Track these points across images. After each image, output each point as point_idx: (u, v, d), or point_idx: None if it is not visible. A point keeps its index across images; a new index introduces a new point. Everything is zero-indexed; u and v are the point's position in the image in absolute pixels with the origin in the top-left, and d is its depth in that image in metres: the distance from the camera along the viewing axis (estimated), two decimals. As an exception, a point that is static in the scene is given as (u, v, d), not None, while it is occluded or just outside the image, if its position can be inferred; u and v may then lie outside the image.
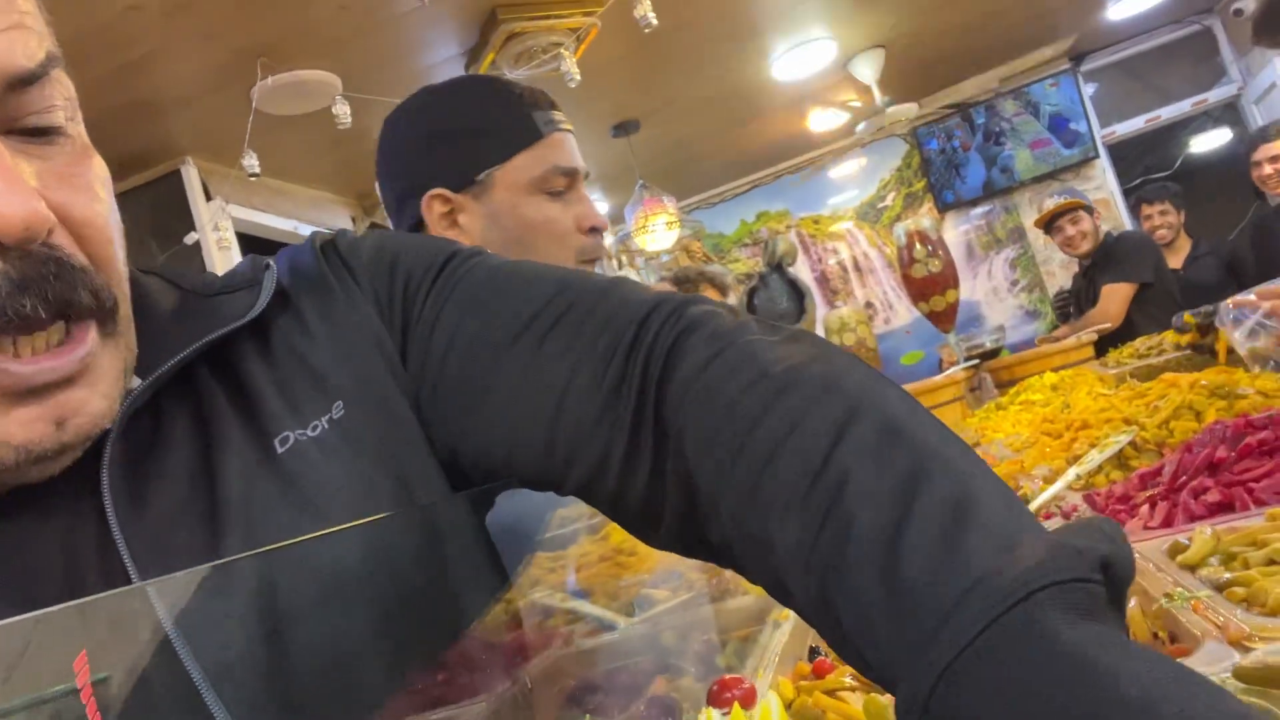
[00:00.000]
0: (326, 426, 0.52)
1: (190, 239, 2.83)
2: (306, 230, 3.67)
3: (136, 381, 0.48)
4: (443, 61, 2.83)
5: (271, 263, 0.56)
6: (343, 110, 2.56)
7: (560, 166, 1.00)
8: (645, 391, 0.46)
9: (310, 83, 2.59)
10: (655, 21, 2.38)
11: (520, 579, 0.83)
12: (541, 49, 2.67)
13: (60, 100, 0.45)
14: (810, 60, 3.68)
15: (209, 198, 2.94)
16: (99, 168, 0.48)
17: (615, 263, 4.48)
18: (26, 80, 0.42)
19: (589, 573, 1.01)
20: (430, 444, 0.55)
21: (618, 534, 1.03)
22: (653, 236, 3.88)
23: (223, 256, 2.91)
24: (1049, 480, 1.17)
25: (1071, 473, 1.06)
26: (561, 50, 2.59)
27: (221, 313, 0.53)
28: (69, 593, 0.44)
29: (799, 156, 5.22)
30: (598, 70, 2.98)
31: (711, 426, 0.42)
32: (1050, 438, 1.40)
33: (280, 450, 0.50)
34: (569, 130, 1.03)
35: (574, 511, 0.96)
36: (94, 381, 0.44)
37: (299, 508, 0.49)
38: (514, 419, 0.51)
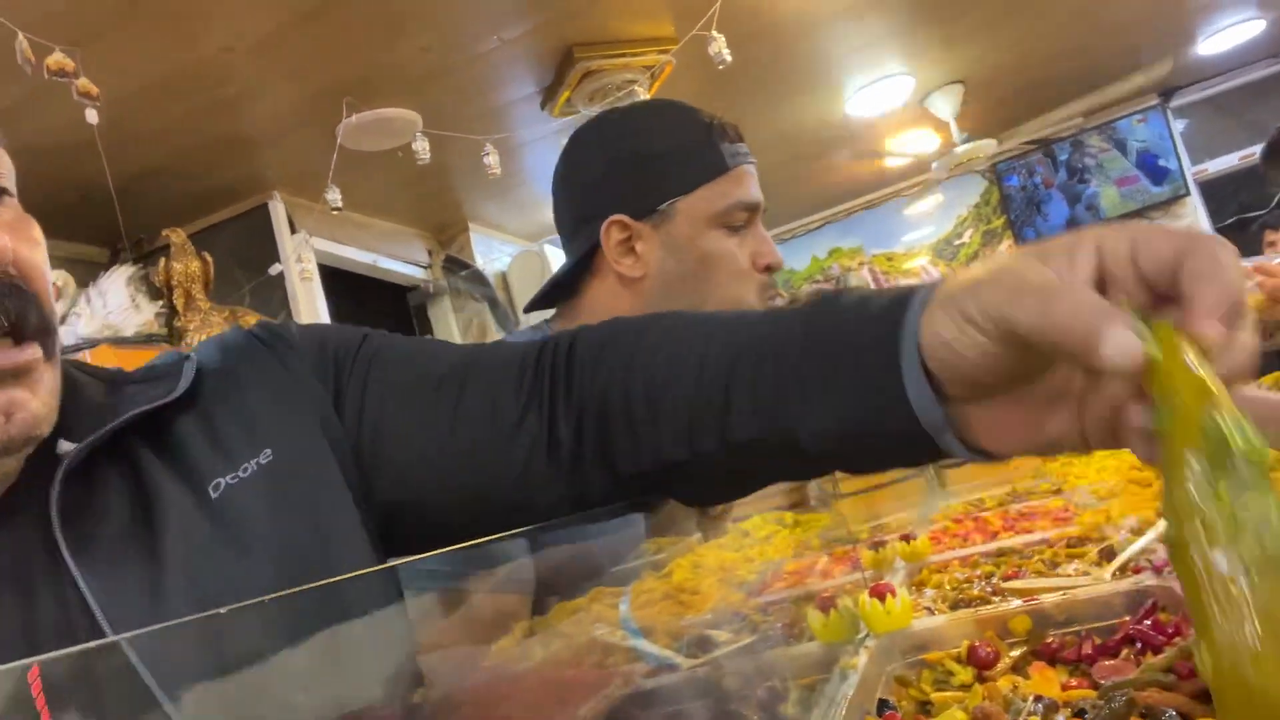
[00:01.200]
0: (255, 469, 0.57)
1: (274, 270, 2.92)
2: (386, 263, 3.79)
3: (67, 446, 0.54)
4: (520, 99, 2.89)
5: (192, 354, 0.62)
6: (422, 146, 2.63)
7: (744, 201, 0.97)
8: (555, 381, 0.57)
9: (392, 120, 2.66)
10: (729, 59, 2.39)
11: (581, 613, 0.82)
12: (616, 86, 2.70)
13: (6, 170, 0.56)
14: (886, 96, 3.65)
15: (294, 230, 3.05)
16: (37, 227, 0.57)
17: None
18: None
19: (649, 610, 0.99)
20: (369, 498, 0.60)
21: (680, 571, 1.01)
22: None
23: (304, 288, 3.00)
24: (1138, 532, 1.11)
25: (1163, 525, 1.00)
26: (635, 88, 2.62)
27: (149, 393, 0.58)
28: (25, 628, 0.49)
29: (873, 192, 5.17)
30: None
31: (607, 362, 0.55)
32: (1138, 486, 1.34)
33: (214, 495, 0.55)
34: (753, 162, 1.00)
35: (637, 547, 0.94)
36: (35, 387, 0.51)
37: (228, 545, 0.54)
38: (456, 443, 0.58)
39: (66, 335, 2.40)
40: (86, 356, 2.26)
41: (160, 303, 2.58)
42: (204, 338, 2.59)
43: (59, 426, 0.54)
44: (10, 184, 0.55)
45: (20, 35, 1.73)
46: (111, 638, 0.48)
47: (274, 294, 2.99)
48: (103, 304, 2.47)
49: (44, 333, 0.52)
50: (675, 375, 0.51)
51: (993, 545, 1.56)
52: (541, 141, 3.15)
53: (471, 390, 0.59)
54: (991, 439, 0.43)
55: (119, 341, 2.38)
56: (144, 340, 2.45)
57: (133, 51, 2.12)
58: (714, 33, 2.37)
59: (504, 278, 3.93)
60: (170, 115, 2.44)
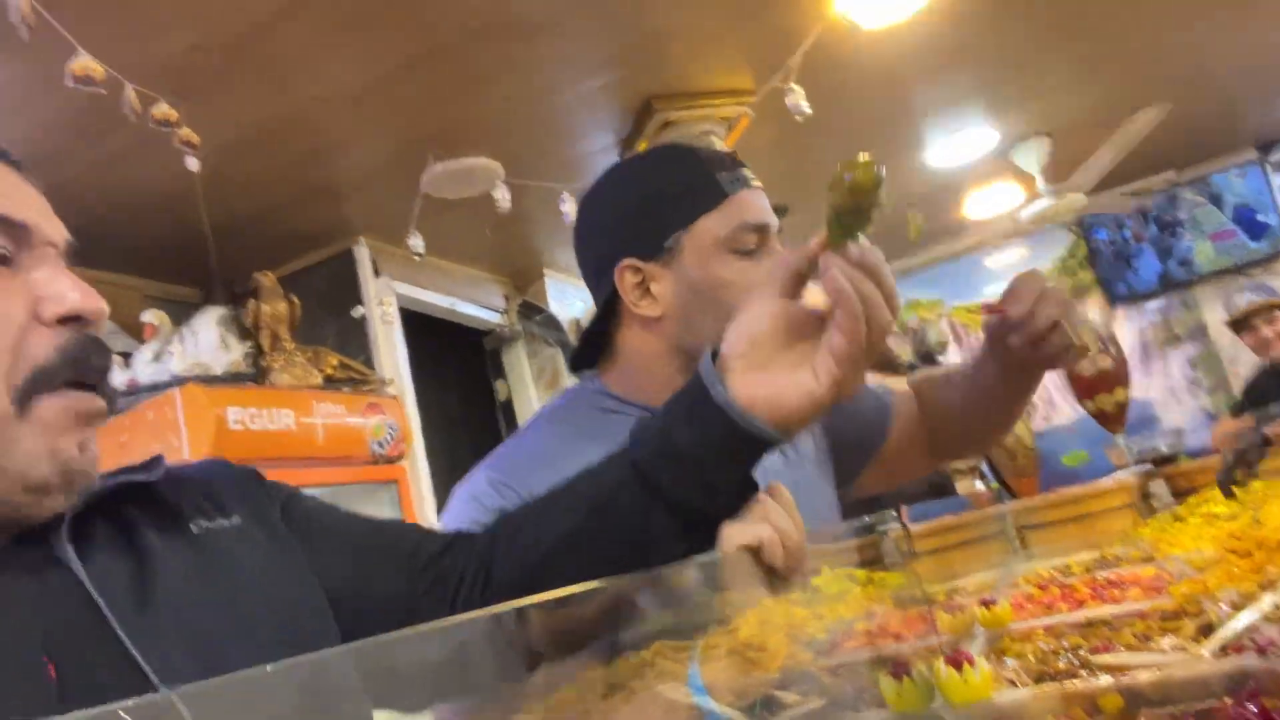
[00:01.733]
0: (229, 524, 0.69)
1: (357, 313, 3.01)
2: (465, 307, 3.86)
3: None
4: (599, 150, 2.94)
5: (160, 456, 0.73)
6: (503, 195, 2.69)
7: (749, 222, 0.96)
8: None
9: (474, 169, 2.73)
10: (809, 111, 2.39)
11: (645, 668, 0.80)
12: (693, 137, 2.72)
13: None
14: (969, 147, 3.60)
15: (377, 274, 3.13)
16: None
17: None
18: (76, 248, 0.64)
19: (714, 666, 0.95)
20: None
21: (747, 628, 0.97)
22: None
23: (385, 331, 3.08)
24: (1238, 606, 1.03)
25: (1268, 600, 0.93)
26: (713, 138, 2.64)
27: (131, 474, 0.68)
28: (46, 633, 0.56)
29: (954, 243, 5.07)
30: (748, 155, 3.00)
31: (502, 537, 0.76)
32: (1238, 556, 1.25)
33: (195, 532, 0.67)
34: (757, 187, 1.00)
35: (701, 599, 0.92)
36: (93, 435, 0.61)
37: (215, 575, 0.65)
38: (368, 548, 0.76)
39: (159, 373, 2.50)
40: (177, 394, 2.34)
41: (249, 343, 2.68)
42: (288, 378, 2.68)
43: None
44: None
45: (128, 86, 1.83)
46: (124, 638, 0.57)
47: (356, 337, 3.07)
48: (194, 343, 2.57)
49: (108, 392, 0.62)
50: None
51: (1080, 615, 1.47)
52: (618, 191, 3.18)
53: (392, 526, 0.80)
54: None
55: (208, 380, 2.47)
56: (231, 378, 2.54)
57: (232, 103, 2.23)
58: (793, 85, 2.38)
59: (578, 323, 3.96)
60: (264, 164, 2.55)
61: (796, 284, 0.70)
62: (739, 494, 0.71)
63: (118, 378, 2.54)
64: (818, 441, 1.14)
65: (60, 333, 0.59)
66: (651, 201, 0.99)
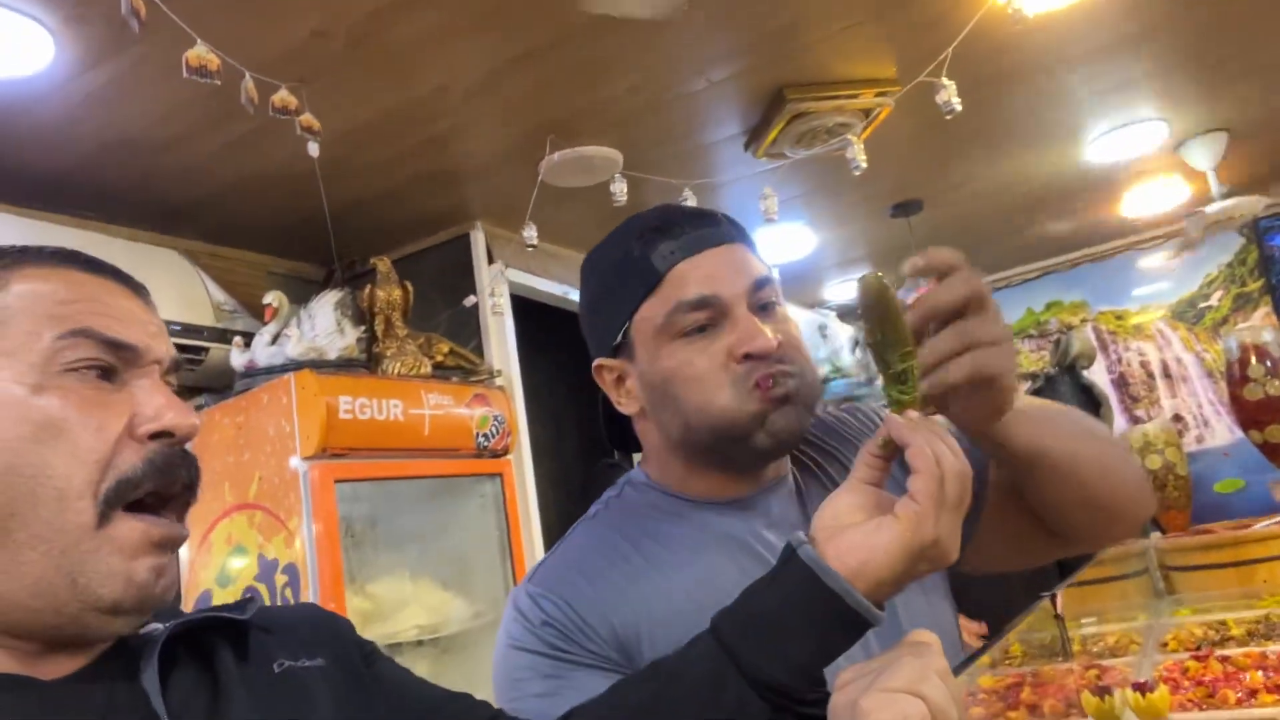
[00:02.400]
0: (312, 664, 0.70)
1: (469, 302, 2.96)
2: (576, 294, 3.77)
3: (155, 626, 0.65)
4: (723, 140, 2.79)
5: (257, 595, 0.77)
6: (619, 189, 2.58)
7: (685, 300, 0.86)
8: None
9: (594, 158, 2.63)
10: (959, 108, 2.17)
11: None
12: (827, 130, 2.54)
13: (167, 348, 0.68)
14: (1133, 143, 3.26)
15: (491, 260, 3.08)
16: None
17: (883, 347, 4.22)
18: (180, 364, 0.68)
19: None
20: None
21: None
22: (928, 326, 3.58)
23: (495, 322, 3.03)
24: None
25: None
26: (849, 134, 2.44)
27: (226, 610, 0.69)
28: None
29: (1105, 243, 4.68)
30: (882, 146, 2.81)
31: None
32: None
33: (277, 671, 0.68)
34: (714, 247, 0.88)
35: None
36: (174, 563, 0.62)
37: (285, 715, 0.65)
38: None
39: (276, 355, 2.52)
40: (291, 380, 2.35)
41: (363, 328, 2.67)
42: (399, 365, 2.66)
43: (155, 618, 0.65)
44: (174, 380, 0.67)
45: (247, 75, 1.80)
46: None
47: (467, 324, 3.04)
48: (311, 327, 2.57)
49: (193, 499, 0.64)
50: None
51: (1253, 713, 1.28)
52: (741, 183, 3.03)
53: (466, 697, 0.78)
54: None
55: (320, 365, 2.47)
56: (344, 364, 2.53)
57: (353, 90, 2.19)
58: (944, 79, 2.16)
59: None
60: (385, 150, 2.52)
61: (879, 470, 0.70)
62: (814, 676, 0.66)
63: (237, 359, 2.57)
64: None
65: (150, 446, 0.61)
66: (601, 297, 0.94)
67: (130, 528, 0.59)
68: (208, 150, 2.37)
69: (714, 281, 0.86)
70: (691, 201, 2.69)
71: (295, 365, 2.47)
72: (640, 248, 0.88)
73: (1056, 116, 3.03)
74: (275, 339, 2.56)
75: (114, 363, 0.61)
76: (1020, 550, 1.02)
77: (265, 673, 0.67)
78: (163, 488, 0.61)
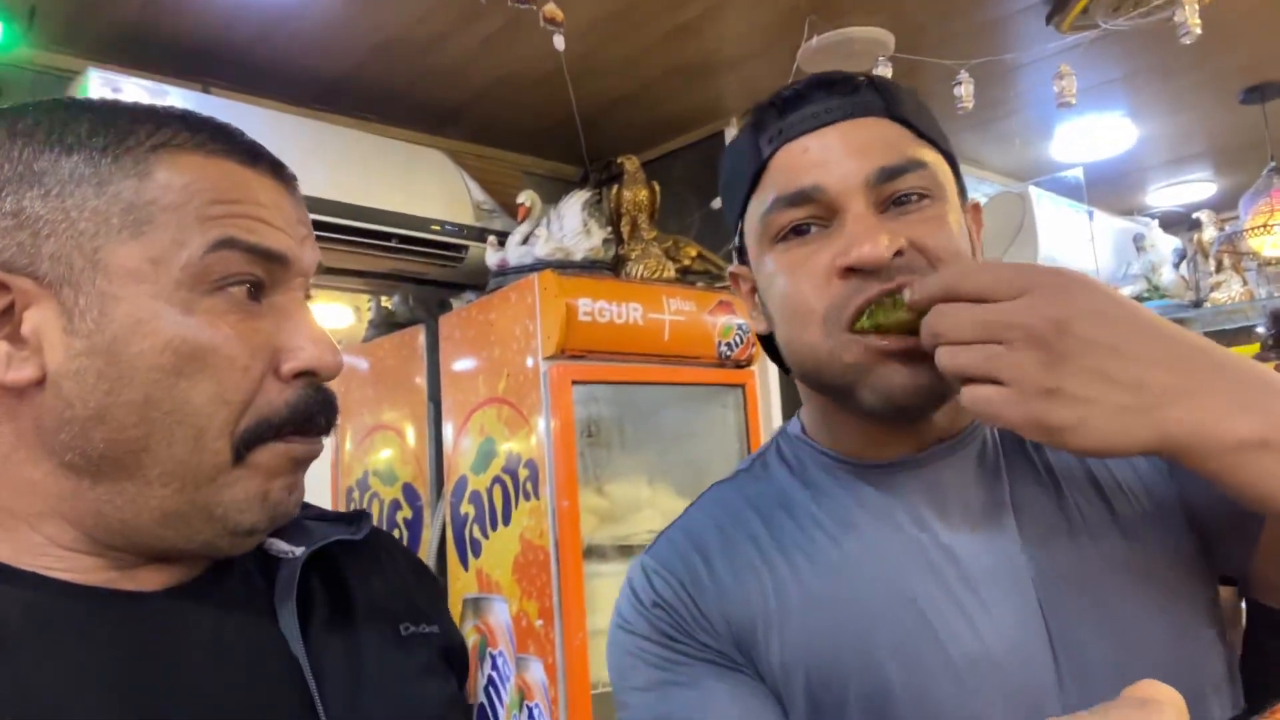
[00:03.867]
0: (430, 630, 0.67)
1: (717, 204, 2.82)
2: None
3: (283, 545, 0.61)
4: (1019, 11, 2.36)
5: (367, 511, 0.70)
6: (885, 75, 2.27)
7: (782, 195, 0.68)
8: None
9: (859, 41, 2.34)
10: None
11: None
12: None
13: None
14: None
15: (748, 159, 2.90)
16: None
17: (1212, 264, 3.53)
18: (321, 269, 0.62)
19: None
20: None
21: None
22: (1277, 240, 2.92)
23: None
24: None
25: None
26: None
27: (339, 527, 0.66)
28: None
29: None
30: (1229, 18, 2.24)
31: None
32: None
33: (404, 634, 0.65)
34: (831, 122, 0.68)
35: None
36: (303, 476, 0.60)
37: (411, 685, 0.63)
38: None
39: (524, 255, 2.55)
40: (535, 280, 2.37)
41: (610, 229, 2.62)
42: (642, 268, 2.60)
43: None
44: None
45: (482, -36, 1.74)
46: None
47: (721, 227, 2.90)
48: (560, 227, 2.57)
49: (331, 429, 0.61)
50: None
51: None
52: (1042, 63, 2.58)
53: None
54: None
55: (565, 266, 2.47)
56: (589, 266, 2.51)
57: (597, -24, 2.08)
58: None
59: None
60: (633, 41, 2.40)
61: None
62: None
63: (491, 257, 2.64)
64: (1180, 543, 0.70)
65: (293, 387, 0.56)
66: (722, 191, 0.79)
67: (271, 452, 0.55)
68: (465, 49, 2.39)
69: (820, 169, 0.66)
70: (967, 87, 2.31)
71: (543, 265, 2.48)
72: (751, 130, 0.71)
73: None
74: (526, 239, 2.59)
75: (262, 277, 0.55)
76: None
77: (393, 631, 0.64)
78: (302, 431, 0.57)
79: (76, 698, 0.48)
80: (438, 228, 2.68)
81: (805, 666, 0.66)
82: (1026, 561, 0.66)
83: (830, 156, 0.66)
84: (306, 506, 0.68)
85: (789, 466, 0.77)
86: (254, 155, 0.57)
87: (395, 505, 2.94)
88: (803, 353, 0.69)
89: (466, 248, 2.73)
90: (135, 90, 2.21)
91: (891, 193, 0.66)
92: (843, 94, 0.69)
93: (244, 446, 0.54)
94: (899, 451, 0.71)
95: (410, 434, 2.90)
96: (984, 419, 0.56)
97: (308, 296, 0.61)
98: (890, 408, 0.65)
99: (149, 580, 0.55)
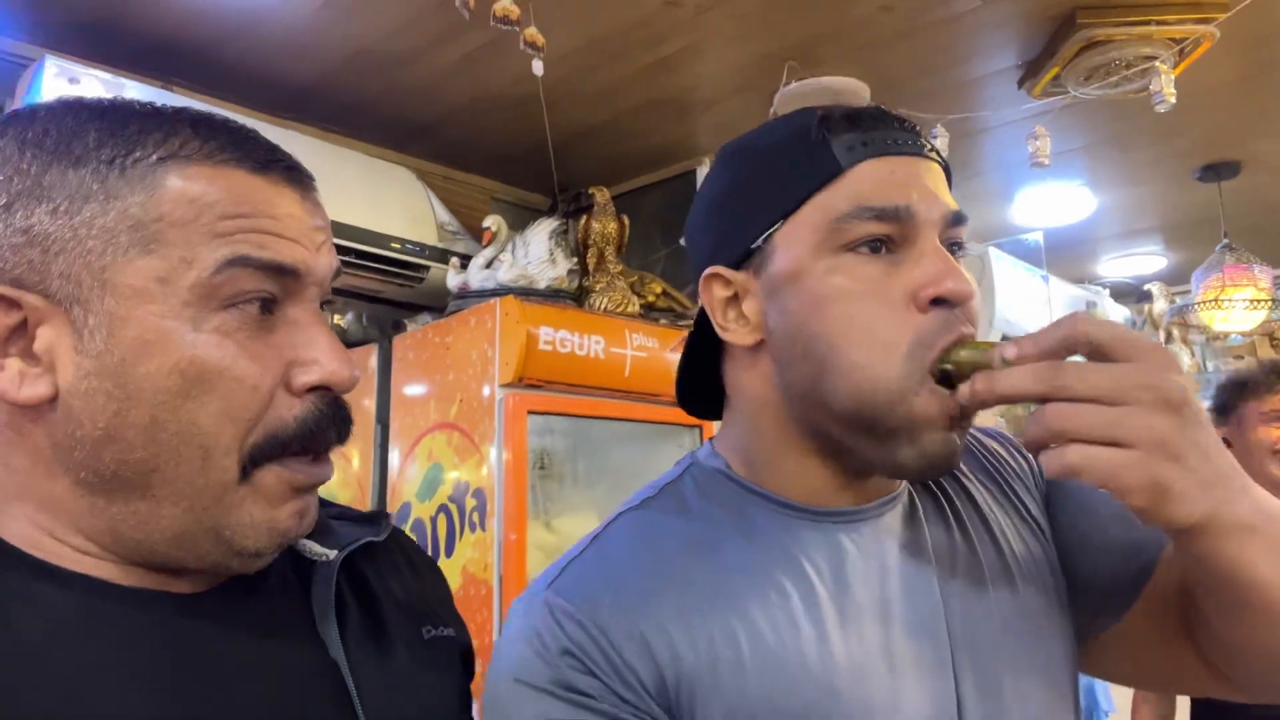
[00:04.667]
0: (447, 633, 0.68)
1: (681, 242, 2.80)
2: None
3: (317, 548, 0.62)
4: (991, 74, 2.41)
5: (386, 511, 0.76)
6: (861, 122, 2.28)
7: (869, 205, 0.64)
8: None
9: (834, 90, 2.35)
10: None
11: None
12: (1126, 63, 2.10)
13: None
14: None
15: (717, 200, 2.90)
16: None
17: (1162, 335, 3.61)
18: (339, 273, 0.60)
19: None
20: None
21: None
22: (1227, 315, 3.00)
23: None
24: None
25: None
26: (1157, 65, 2.00)
27: (363, 528, 0.66)
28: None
29: None
30: (1192, 93, 2.31)
31: None
32: None
33: (427, 637, 0.65)
34: (911, 153, 0.67)
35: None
36: (315, 500, 0.59)
37: (432, 689, 0.64)
38: None
39: (487, 280, 2.50)
40: (497, 305, 2.31)
41: (575, 259, 2.59)
42: (606, 301, 2.56)
43: None
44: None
45: (465, -18, 1.71)
46: None
47: (685, 266, 2.89)
48: (525, 253, 2.52)
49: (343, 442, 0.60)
50: None
51: None
52: (1010, 127, 2.63)
53: None
54: None
55: (528, 294, 2.42)
56: (552, 295, 2.47)
57: (580, 7, 2.06)
58: (1294, -6, 1.69)
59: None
60: (611, 72, 2.39)
61: None
62: None
63: (453, 279, 2.58)
64: (1050, 559, 0.75)
65: (304, 401, 0.55)
66: (748, 185, 0.70)
67: (275, 476, 0.55)
68: (440, 67, 2.35)
69: (908, 192, 0.64)
70: (943, 140, 2.34)
71: (504, 291, 2.43)
72: (820, 132, 0.67)
73: None
74: (490, 263, 2.54)
75: (275, 292, 0.54)
76: (1161, 674, 0.77)
77: (417, 634, 0.65)
78: (312, 447, 0.56)
79: (125, 697, 0.49)
80: (398, 245, 2.61)
81: None
82: (944, 616, 0.67)
83: (916, 185, 0.65)
84: (326, 504, 0.68)
85: (710, 502, 0.70)
86: (267, 162, 0.56)
87: (333, 530, 2.83)
88: (857, 380, 0.63)
89: (428, 268, 2.67)
90: (93, 83, 2.12)
91: (951, 238, 0.67)
92: (909, 131, 0.68)
93: (251, 463, 0.53)
94: (850, 500, 0.69)
95: (354, 457, 2.80)
96: (1089, 479, 0.52)
97: (326, 303, 0.60)
98: (919, 469, 0.64)
99: (190, 583, 0.56)
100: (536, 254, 2.53)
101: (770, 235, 0.67)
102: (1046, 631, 0.71)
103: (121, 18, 2.13)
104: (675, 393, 0.80)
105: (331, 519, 0.65)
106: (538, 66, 2.23)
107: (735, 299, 0.70)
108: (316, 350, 0.55)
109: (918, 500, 0.73)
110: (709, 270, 0.71)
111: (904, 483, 0.72)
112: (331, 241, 0.59)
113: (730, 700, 0.60)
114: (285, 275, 0.54)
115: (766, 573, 0.64)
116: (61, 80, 2.06)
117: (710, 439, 0.78)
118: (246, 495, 0.53)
